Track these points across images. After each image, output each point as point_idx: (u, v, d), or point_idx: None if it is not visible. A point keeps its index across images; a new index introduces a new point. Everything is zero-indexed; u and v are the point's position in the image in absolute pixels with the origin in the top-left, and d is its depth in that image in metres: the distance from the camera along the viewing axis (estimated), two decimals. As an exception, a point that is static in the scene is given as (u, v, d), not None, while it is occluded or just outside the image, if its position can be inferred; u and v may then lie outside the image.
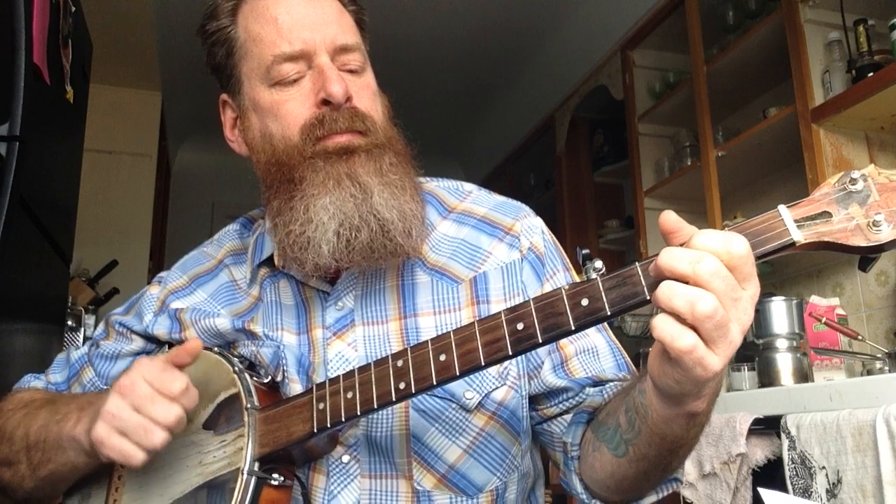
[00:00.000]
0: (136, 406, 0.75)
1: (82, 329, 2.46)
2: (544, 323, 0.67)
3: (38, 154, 1.53)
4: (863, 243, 0.61)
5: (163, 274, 1.06)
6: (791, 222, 0.62)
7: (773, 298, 2.12)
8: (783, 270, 2.72)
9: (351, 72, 0.90)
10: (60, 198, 1.86)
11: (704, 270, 0.58)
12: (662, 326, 0.60)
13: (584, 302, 0.65)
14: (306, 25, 0.88)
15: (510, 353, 0.69)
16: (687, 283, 0.59)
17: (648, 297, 0.63)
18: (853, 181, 0.62)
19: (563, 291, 0.67)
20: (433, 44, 3.77)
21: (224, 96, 0.96)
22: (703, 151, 2.75)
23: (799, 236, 0.61)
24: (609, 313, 0.64)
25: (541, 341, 0.67)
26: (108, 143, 3.56)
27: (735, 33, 2.86)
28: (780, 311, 2.10)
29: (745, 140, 2.59)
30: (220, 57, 0.93)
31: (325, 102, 0.86)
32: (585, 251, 0.68)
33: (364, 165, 0.85)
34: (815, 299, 2.22)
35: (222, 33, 0.92)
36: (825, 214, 0.62)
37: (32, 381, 1.03)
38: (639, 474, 0.78)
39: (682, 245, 0.61)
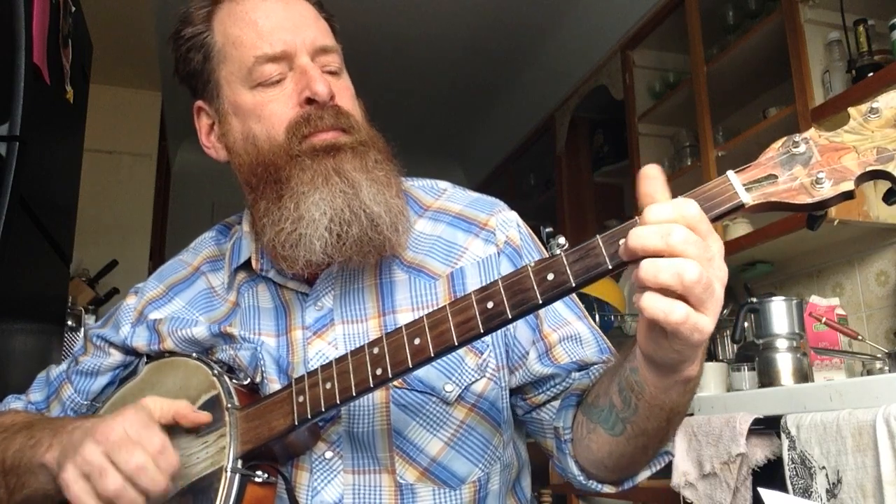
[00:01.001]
0: (108, 454, 0.74)
1: (82, 329, 2.45)
2: (513, 299, 0.69)
3: (38, 154, 1.53)
4: (808, 200, 0.64)
5: (139, 285, 1.06)
6: (740, 186, 0.65)
7: (773, 298, 2.12)
8: (783, 270, 2.72)
9: (331, 73, 0.92)
10: (60, 198, 1.86)
11: (677, 240, 0.60)
12: (653, 304, 0.61)
13: (550, 276, 0.68)
14: (286, 28, 0.89)
15: (482, 330, 0.71)
16: (662, 256, 0.61)
17: (610, 267, 0.65)
18: (796, 144, 0.65)
19: (529, 268, 0.69)
20: (433, 44, 3.76)
21: (199, 103, 0.96)
22: (703, 151, 2.75)
23: (747, 198, 0.65)
24: (574, 285, 0.67)
25: (510, 317, 0.69)
26: (108, 143, 3.56)
27: (735, 33, 2.86)
28: (780, 311, 2.10)
29: (745, 140, 2.59)
30: (197, 63, 0.93)
31: (309, 101, 0.87)
32: (549, 229, 0.72)
33: (351, 161, 0.86)
34: (815, 299, 2.22)
35: (198, 39, 0.93)
36: (771, 177, 0.65)
37: (13, 403, 1.03)
38: (637, 449, 0.80)
39: (637, 219, 0.64)
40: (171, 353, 0.96)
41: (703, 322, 0.62)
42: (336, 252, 0.84)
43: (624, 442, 0.79)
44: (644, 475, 0.88)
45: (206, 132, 0.97)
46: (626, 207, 3.89)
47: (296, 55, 0.89)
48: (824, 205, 0.64)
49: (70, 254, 1.96)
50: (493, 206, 1.00)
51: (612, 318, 3.08)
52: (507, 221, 0.97)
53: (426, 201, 1.00)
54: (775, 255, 2.58)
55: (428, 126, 4.62)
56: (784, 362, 2.06)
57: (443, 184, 1.04)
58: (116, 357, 1.01)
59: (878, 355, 2.01)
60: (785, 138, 0.66)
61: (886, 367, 1.97)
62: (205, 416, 0.83)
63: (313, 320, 0.91)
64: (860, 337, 2.05)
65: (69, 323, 2.34)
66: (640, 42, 3.27)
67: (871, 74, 2.12)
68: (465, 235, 0.95)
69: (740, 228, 2.55)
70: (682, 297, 0.61)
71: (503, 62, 3.97)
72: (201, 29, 0.93)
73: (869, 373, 2.04)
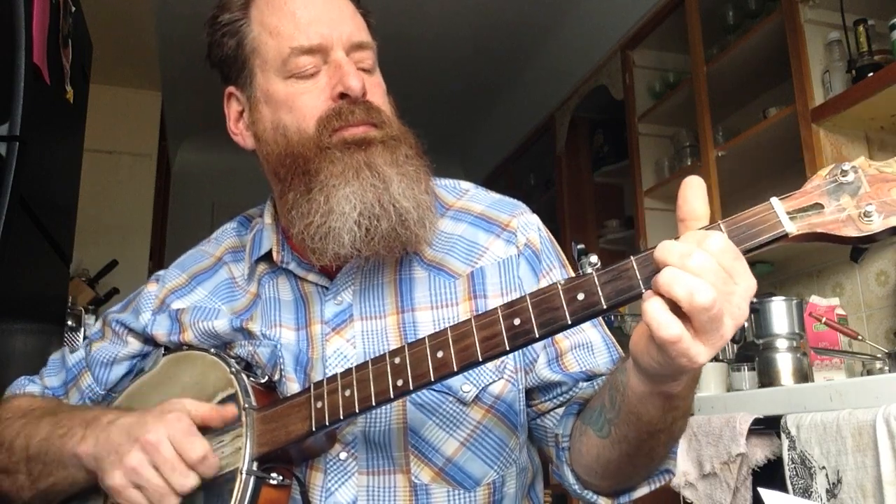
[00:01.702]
0: (157, 466, 0.76)
1: (82, 329, 2.45)
2: (541, 318, 0.68)
3: (38, 154, 1.53)
4: (854, 234, 0.61)
5: (160, 272, 1.05)
6: (783, 214, 0.63)
7: (773, 298, 2.12)
8: (783, 270, 2.72)
9: (364, 70, 0.92)
10: (60, 198, 1.86)
11: (693, 264, 0.59)
12: (652, 312, 0.60)
13: (580, 296, 0.66)
14: (324, 21, 0.89)
15: (507, 348, 0.69)
16: None
17: (643, 291, 0.63)
18: (844, 173, 0.63)
19: (559, 286, 0.67)
20: (433, 44, 3.76)
21: (231, 88, 0.96)
22: (703, 151, 2.75)
23: (791, 228, 0.62)
24: (605, 307, 0.65)
25: (537, 336, 0.68)
26: (108, 143, 3.56)
27: (735, 33, 2.86)
28: (780, 311, 2.10)
29: (745, 140, 2.59)
30: (230, 48, 0.93)
31: (342, 96, 0.87)
32: (581, 246, 0.69)
33: (382, 156, 0.86)
34: (815, 299, 2.22)
35: (234, 25, 0.93)
36: (817, 206, 0.63)
37: (28, 386, 1.02)
38: (622, 457, 0.78)
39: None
40: (189, 347, 0.95)
41: (696, 350, 0.60)
42: (364, 246, 0.83)
43: (609, 446, 0.78)
44: (642, 491, 0.86)
45: (234, 119, 0.97)
46: (626, 207, 3.89)
47: (331, 49, 0.88)
48: (872, 239, 0.62)
49: (70, 254, 1.96)
50: (515, 207, 0.99)
51: (612, 317, 3.08)
52: (528, 224, 0.97)
53: (448, 201, 1.00)
54: (775, 255, 2.58)
55: (428, 125, 4.55)
56: (784, 362, 2.06)
57: (465, 184, 1.04)
58: (134, 346, 1.00)
59: (878, 355, 2.01)
60: (833, 166, 0.64)
61: (886, 367, 1.97)
62: (231, 412, 0.83)
63: (332, 315, 0.91)
64: (860, 337, 2.05)
65: (69, 323, 2.34)
66: (641, 42, 3.27)
67: (871, 74, 2.12)
68: (486, 235, 0.95)
69: (740, 228, 2.54)
70: (686, 318, 0.59)
71: (504, 62, 3.97)
72: (238, 16, 0.93)
73: (869, 373, 2.04)
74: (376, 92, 0.92)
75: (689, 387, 0.69)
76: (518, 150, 4.56)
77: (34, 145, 1.48)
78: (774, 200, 0.63)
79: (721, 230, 0.63)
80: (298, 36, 0.88)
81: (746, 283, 0.61)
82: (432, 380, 0.72)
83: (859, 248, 0.65)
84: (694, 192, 0.64)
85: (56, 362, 1.04)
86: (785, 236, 0.62)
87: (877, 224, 0.61)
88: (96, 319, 2.62)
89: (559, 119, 3.99)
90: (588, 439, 0.81)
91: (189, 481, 0.76)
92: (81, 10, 1.94)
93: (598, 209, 3.89)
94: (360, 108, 0.87)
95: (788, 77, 2.40)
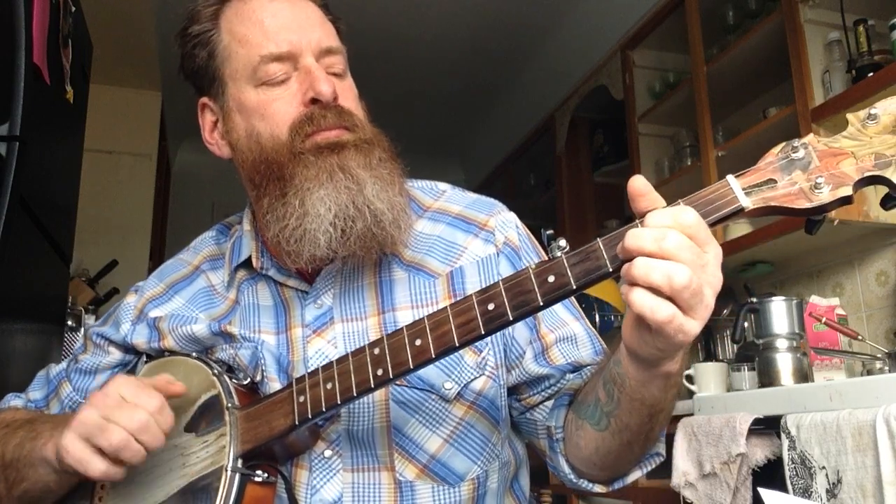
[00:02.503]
0: (104, 414, 0.76)
1: (82, 329, 2.45)
2: (514, 301, 0.70)
3: (38, 154, 1.53)
4: (806, 204, 0.65)
5: (139, 283, 1.06)
6: (739, 190, 0.66)
7: (773, 298, 2.12)
8: (783, 270, 2.72)
9: (335, 74, 0.92)
10: (60, 198, 1.86)
11: (670, 245, 0.62)
12: (641, 300, 0.62)
13: (551, 278, 0.68)
14: (292, 28, 0.90)
15: (482, 332, 0.71)
16: (656, 258, 0.62)
17: (611, 270, 0.66)
18: (795, 149, 0.66)
19: (530, 270, 0.70)
20: (433, 44, 3.76)
21: (204, 99, 0.97)
22: (703, 151, 2.75)
23: (747, 202, 0.65)
24: (574, 287, 0.68)
25: (511, 318, 0.70)
26: (108, 143, 3.56)
27: (735, 33, 2.86)
28: (780, 311, 2.10)
29: (745, 140, 2.59)
30: (201, 59, 0.94)
31: (313, 101, 0.88)
32: (549, 231, 0.73)
33: (355, 159, 0.86)
34: (815, 299, 2.22)
35: (205, 36, 0.94)
36: (770, 181, 0.66)
37: (13, 401, 1.04)
38: (622, 446, 0.81)
39: (637, 222, 0.65)
40: (171, 353, 0.96)
41: (689, 325, 0.63)
42: (340, 247, 0.84)
43: (609, 437, 0.80)
44: (634, 475, 0.89)
45: (209, 129, 0.98)
46: (626, 207, 3.88)
47: (301, 55, 0.89)
48: (823, 209, 0.65)
49: (70, 254, 1.96)
50: (492, 207, 1.01)
51: (612, 318, 3.08)
52: (506, 222, 0.98)
53: (426, 202, 1.01)
54: (775, 255, 2.58)
55: (428, 126, 4.61)
56: (784, 362, 2.06)
57: (442, 185, 1.05)
58: (116, 355, 1.01)
59: (878, 355, 2.01)
60: (784, 143, 0.67)
61: (886, 367, 1.97)
62: (179, 387, 0.83)
63: (313, 318, 0.92)
64: (860, 337, 2.05)
65: (69, 323, 2.34)
66: (640, 42, 3.27)
67: (871, 74, 2.12)
68: (464, 235, 0.96)
69: (740, 229, 2.55)
70: (670, 299, 0.62)
71: (503, 62, 3.97)
72: (208, 27, 0.94)
73: (869, 373, 2.04)
74: (348, 96, 0.93)
75: (683, 361, 0.72)
76: (518, 150, 4.56)
77: (34, 145, 1.48)
78: (730, 178, 0.66)
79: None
80: (267, 44, 0.89)
81: (715, 251, 0.64)
82: (411, 367, 0.74)
83: (812, 220, 0.68)
84: (645, 184, 0.67)
85: (41, 378, 1.06)
86: (741, 210, 0.65)
87: (826, 195, 0.64)
88: (96, 319, 2.62)
89: (559, 119, 3.99)
90: (585, 433, 0.83)
91: (137, 416, 0.76)
92: (81, 10, 1.94)
93: (598, 209, 3.89)
94: (331, 113, 0.88)
95: (788, 77, 2.40)
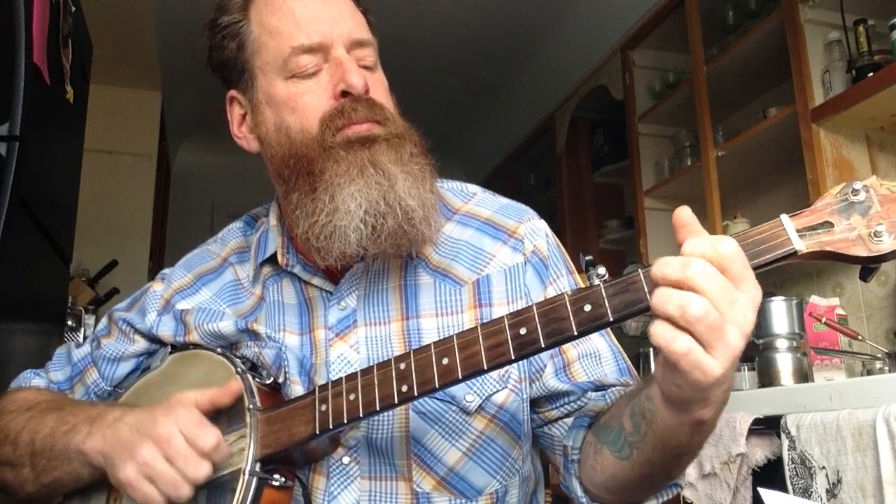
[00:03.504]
0: (170, 459, 0.76)
1: (82, 329, 2.46)
2: (547, 328, 0.67)
3: (38, 154, 1.53)
4: (864, 253, 0.62)
5: (166, 271, 1.04)
6: (793, 231, 0.63)
7: (773, 298, 2.12)
8: (783, 270, 2.71)
9: (366, 68, 0.91)
10: (60, 198, 1.86)
11: (693, 273, 0.59)
12: (658, 331, 0.60)
13: (587, 308, 0.66)
14: (324, 19, 0.88)
15: (513, 357, 0.69)
16: (681, 288, 0.59)
17: (650, 305, 0.63)
18: (855, 192, 0.63)
19: (566, 297, 0.67)
20: (433, 44, 3.76)
21: (232, 92, 0.95)
22: (703, 151, 2.75)
23: (801, 245, 0.62)
24: (611, 319, 0.65)
25: (543, 346, 0.68)
26: (108, 143, 3.56)
27: (735, 33, 2.86)
28: (780, 311, 2.10)
29: (745, 140, 2.59)
30: (231, 51, 0.92)
31: (344, 94, 0.86)
32: (589, 257, 0.69)
33: (386, 153, 0.84)
34: (815, 299, 2.22)
35: (234, 27, 0.92)
36: (827, 224, 0.63)
37: (34, 379, 1.02)
38: (643, 478, 0.78)
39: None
40: (196, 346, 0.95)
41: (708, 363, 0.59)
42: (371, 244, 0.82)
43: (629, 468, 0.77)
44: None
45: (237, 122, 0.96)
46: (626, 207, 3.89)
47: (332, 47, 0.87)
48: (882, 259, 0.62)
49: (70, 254, 1.95)
50: (523, 213, 0.98)
51: (612, 318, 3.07)
52: (535, 230, 0.95)
53: (455, 204, 0.99)
54: (775, 255, 2.58)
55: (428, 126, 4.57)
56: (784, 362, 2.06)
57: (472, 187, 1.02)
58: (141, 344, 0.99)
59: (878, 355, 2.01)
60: (843, 184, 0.64)
61: (886, 367, 1.97)
62: (236, 386, 0.83)
63: (336, 321, 0.90)
64: (860, 337, 2.05)
65: (69, 323, 2.34)
66: (640, 42, 3.27)
67: (871, 74, 2.12)
68: (492, 242, 0.94)
69: (739, 227, 2.55)
70: (688, 332, 0.59)
71: (503, 62, 3.96)
72: (237, 18, 0.92)
73: (869, 373, 2.04)
74: (379, 89, 0.91)
75: (719, 409, 0.67)
76: (518, 150, 4.56)
77: (34, 145, 1.48)
78: (784, 217, 0.63)
79: None
80: (298, 35, 0.87)
81: (752, 293, 0.60)
82: (437, 386, 0.72)
83: (868, 268, 0.65)
84: (690, 216, 0.64)
85: (62, 356, 1.04)
86: (794, 254, 0.62)
87: (887, 244, 0.61)
88: (96, 319, 2.63)
89: (559, 119, 3.99)
90: (604, 458, 0.80)
91: (202, 470, 0.76)
92: (81, 10, 1.94)
93: (598, 209, 3.89)
94: (362, 106, 0.86)
95: (788, 77, 2.40)
